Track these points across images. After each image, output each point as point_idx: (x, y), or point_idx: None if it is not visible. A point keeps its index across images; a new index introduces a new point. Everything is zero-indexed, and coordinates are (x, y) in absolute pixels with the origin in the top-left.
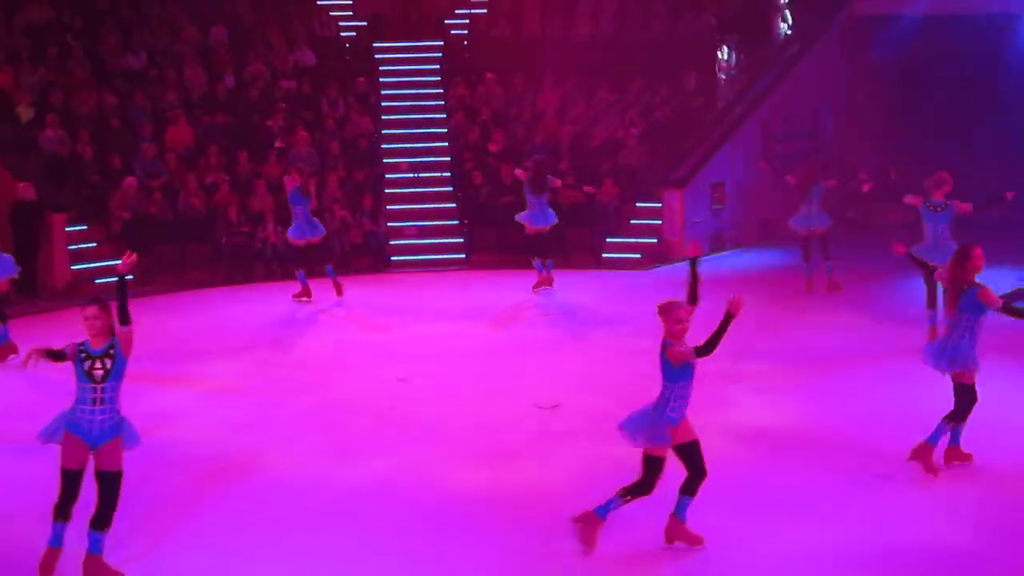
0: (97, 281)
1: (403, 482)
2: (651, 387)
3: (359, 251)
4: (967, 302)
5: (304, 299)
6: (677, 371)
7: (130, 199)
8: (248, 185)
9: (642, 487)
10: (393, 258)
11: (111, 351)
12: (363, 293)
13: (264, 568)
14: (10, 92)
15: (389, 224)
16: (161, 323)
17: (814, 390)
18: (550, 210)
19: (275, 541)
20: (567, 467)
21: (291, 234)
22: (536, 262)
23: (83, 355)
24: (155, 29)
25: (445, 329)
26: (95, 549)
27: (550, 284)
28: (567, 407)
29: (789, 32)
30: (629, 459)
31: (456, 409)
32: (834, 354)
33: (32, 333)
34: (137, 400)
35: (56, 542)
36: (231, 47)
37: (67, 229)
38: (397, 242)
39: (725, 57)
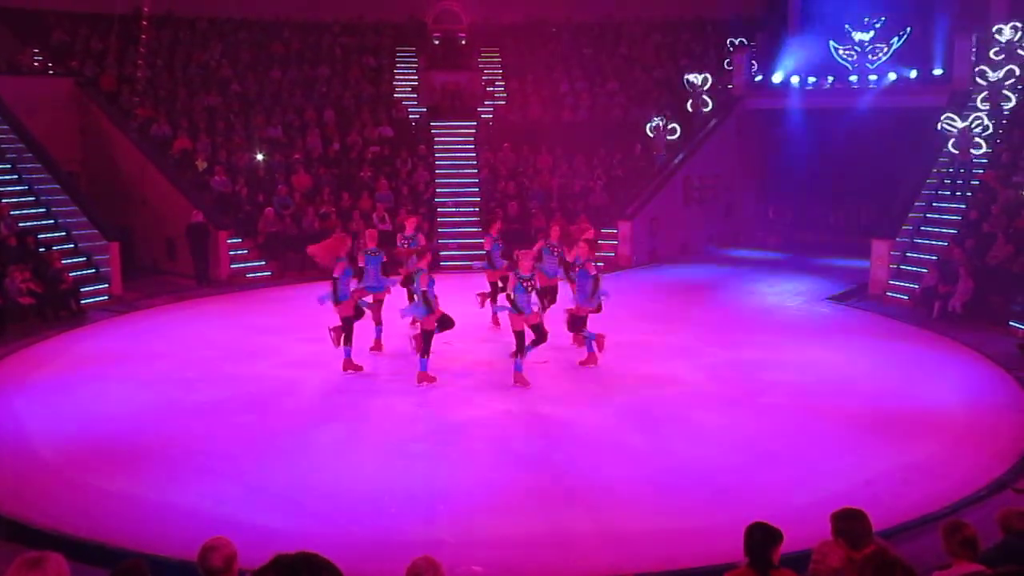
0: (248, 275)
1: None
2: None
3: None
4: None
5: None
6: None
7: (270, 222)
8: (348, 213)
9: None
10: (443, 262)
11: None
12: None
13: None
14: (192, 151)
15: (440, 240)
16: (292, 303)
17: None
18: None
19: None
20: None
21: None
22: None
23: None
24: (287, 110)
25: (473, 306)
26: (422, 367)
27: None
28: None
29: (709, 109)
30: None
31: (479, 356)
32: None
33: (206, 308)
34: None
35: (423, 367)
36: (337, 123)
37: (228, 241)
38: (445, 252)
39: (661, 123)
